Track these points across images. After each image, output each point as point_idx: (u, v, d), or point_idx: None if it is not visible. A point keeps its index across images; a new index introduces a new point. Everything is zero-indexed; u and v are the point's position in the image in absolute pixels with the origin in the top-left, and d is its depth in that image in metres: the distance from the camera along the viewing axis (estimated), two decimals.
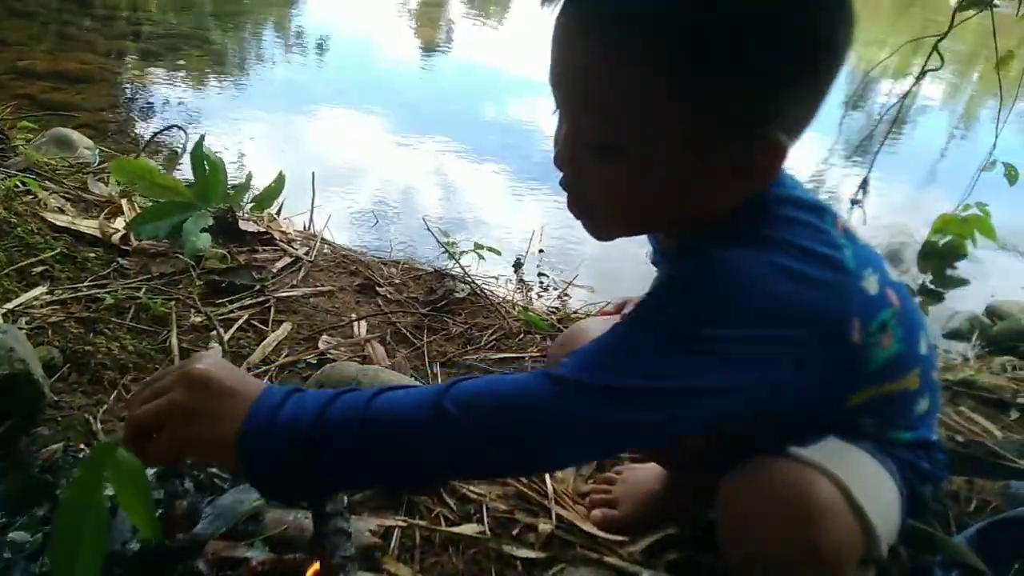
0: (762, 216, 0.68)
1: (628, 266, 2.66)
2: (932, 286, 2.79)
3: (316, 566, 0.86)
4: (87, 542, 0.63)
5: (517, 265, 2.38)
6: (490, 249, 1.97)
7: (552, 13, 0.65)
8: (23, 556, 0.91)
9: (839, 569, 0.70)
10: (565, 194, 0.74)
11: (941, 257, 2.92)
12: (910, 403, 0.79)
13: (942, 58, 2.20)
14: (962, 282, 2.83)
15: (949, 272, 2.88)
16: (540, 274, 2.43)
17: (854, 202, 2.99)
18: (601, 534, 1.06)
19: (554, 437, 0.62)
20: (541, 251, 2.58)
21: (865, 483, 0.71)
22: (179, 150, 2.88)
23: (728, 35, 0.58)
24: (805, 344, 0.65)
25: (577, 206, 0.73)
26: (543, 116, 4.53)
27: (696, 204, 0.69)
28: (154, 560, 0.88)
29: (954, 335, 2.30)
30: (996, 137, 2.57)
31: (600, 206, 0.70)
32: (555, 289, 2.29)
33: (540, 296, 2.22)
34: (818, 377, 0.68)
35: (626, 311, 1.05)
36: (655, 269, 0.89)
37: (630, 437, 0.66)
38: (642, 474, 1.12)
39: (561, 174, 0.72)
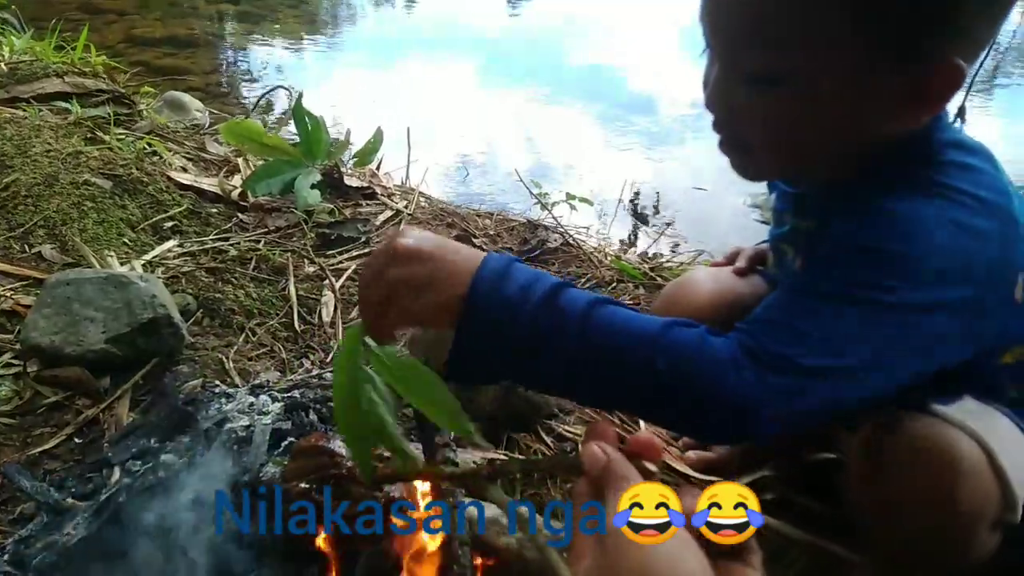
0: (930, 160, 0.65)
1: (724, 213, 2.61)
2: None
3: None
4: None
5: (636, 215, 2.40)
6: (582, 199, 1.99)
7: None
8: (174, 473, 1.04)
9: (974, 528, 0.69)
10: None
11: None
12: None
13: None
14: None
15: None
16: (634, 223, 2.43)
17: None
18: (695, 474, 1.10)
19: (754, 419, 0.60)
20: (632, 200, 2.57)
21: (1006, 446, 0.70)
22: (285, 110, 3.02)
23: None
24: (979, 303, 0.63)
25: (731, 146, 0.70)
26: (631, 60, 4.42)
27: (862, 134, 0.65)
28: None
29: None
30: None
31: (760, 142, 0.68)
32: (648, 237, 2.28)
33: (634, 244, 2.22)
34: (982, 335, 0.66)
35: (739, 265, 1.03)
36: (768, 218, 0.87)
37: (824, 413, 0.63)
38: None
39: (712, 117, 0.70)
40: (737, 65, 0.64)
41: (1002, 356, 0.72)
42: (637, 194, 2.63)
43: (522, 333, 0.59)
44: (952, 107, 0.64)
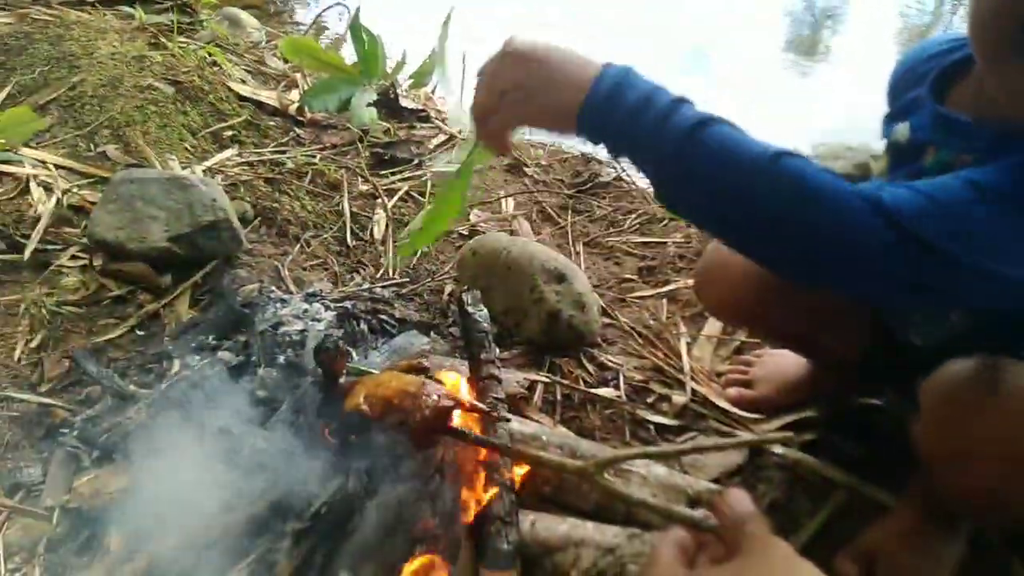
0: None
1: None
2: None
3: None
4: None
5: None
6: None
7: None
8: (229, 370, 1.08)
9: None
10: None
11: None
12: None
13: None
14: None
15: None
16: None
17: None
18: (735, 410, 1.10)
19: (860, 270, 0.61)
20: None
21: None
22: (340, 32, 2.98)
23: None
24: None
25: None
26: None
27: None
28: None
29: None
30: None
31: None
32: None
33: None
34: None
35: None
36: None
37: (926, 300, 0.65)
38: (782, 359, 1.13)
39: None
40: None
41: None
42: None
43: (642, 143, 0.63)
44: None
